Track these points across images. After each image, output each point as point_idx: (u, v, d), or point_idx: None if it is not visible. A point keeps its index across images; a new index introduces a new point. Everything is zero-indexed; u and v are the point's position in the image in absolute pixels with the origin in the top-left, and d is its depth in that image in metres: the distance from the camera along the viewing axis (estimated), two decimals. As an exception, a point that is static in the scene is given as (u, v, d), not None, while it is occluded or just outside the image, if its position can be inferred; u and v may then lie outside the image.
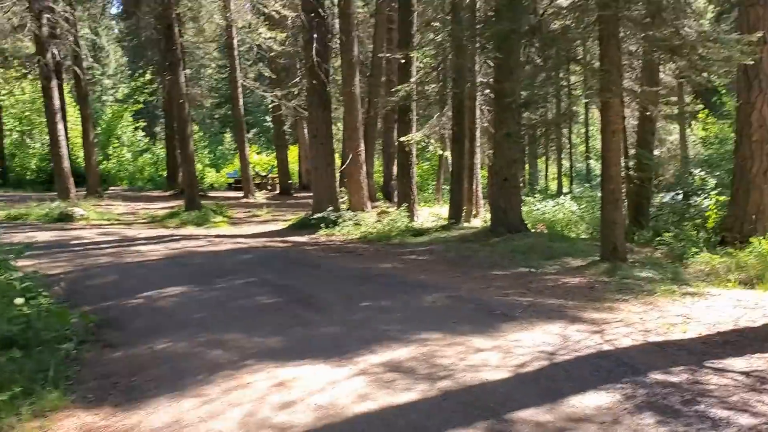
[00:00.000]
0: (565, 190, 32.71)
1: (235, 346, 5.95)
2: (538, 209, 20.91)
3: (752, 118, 11.32)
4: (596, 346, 5.44)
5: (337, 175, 17.10)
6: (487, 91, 16.35)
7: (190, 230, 16.50)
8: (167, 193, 28.01)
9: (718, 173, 15.03)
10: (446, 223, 15.09)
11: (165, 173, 31.81)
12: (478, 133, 16.14)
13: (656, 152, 18.43)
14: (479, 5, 14.50)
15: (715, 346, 5.38)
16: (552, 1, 10.18)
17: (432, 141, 18.19)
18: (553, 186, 36.54)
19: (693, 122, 23.13)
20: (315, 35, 15.46)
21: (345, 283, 8.89)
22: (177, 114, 20.50)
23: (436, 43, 14.25)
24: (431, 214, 18.33)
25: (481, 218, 16.60)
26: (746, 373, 4.63)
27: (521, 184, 23.19)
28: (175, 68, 18.79)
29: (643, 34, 9.93)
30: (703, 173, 15.89)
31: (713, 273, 9.54)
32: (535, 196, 24.86)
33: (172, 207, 20.97)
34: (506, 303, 7.31)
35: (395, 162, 25.99)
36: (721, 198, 14.00)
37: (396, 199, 25.20)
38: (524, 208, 21.77)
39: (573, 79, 19.52)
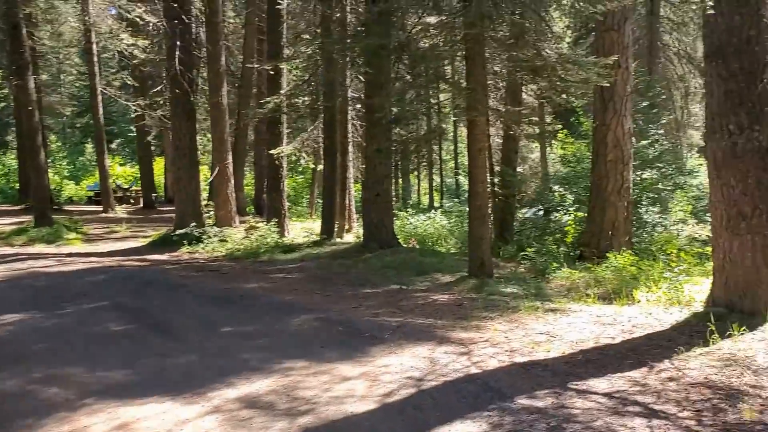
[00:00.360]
0: (436, 204, 33.40)
1: (75, 382, 5.33)
2: (410, 223, 21.10)
3: (607, 138, 11.90)
4: (464, 370, 5.31)
5: (205, 188, 16.37)
6: (359, 105, 16.28)
7: (38, 248, 15.16)
8: (18, 207, 25.76)
9: (575, 190, 15.73)
10: (318, 238, 14.80)
11: (17, 185, 29.31)
12: (350, 148, 16.01)
13: (519, 169, 19.14)
14: (350, 19, 14.41)
15: (578, 365, 5.40)
16: (420, 19, 10.20)
17: (304, 155, 17.86)
18: (425, 200, 37.23)
19: (553, 141, 24.28)
20: (178, 43, 14.73)
21: (206, 307, 8.35)
22: (25, 122, 18.90)
23: (307, 56, 13.99)
24: (303, 229, 17.98)
25: (354, 233, 16.46)
26: (609, 395, 4.64)
27: (394, 199, 23.38)
28: (24, 72, 17.29)
29: (507, 55, 10.16)
30: (561, 190, 16.61)
31: (574, 288, 9.83)
32: (408, 210, 25.12)
33: (20, 222, 19.21)
34: (376, 324, 7.09)
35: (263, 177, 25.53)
36: (579, 214, 14.68)
37: (266, 214, 24.75)
38: (397, 223, 21.88)
39: (442, 96, 19.85)
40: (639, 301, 8.25)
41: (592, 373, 5.20)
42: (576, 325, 6.88)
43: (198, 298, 8.99)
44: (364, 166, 13.77)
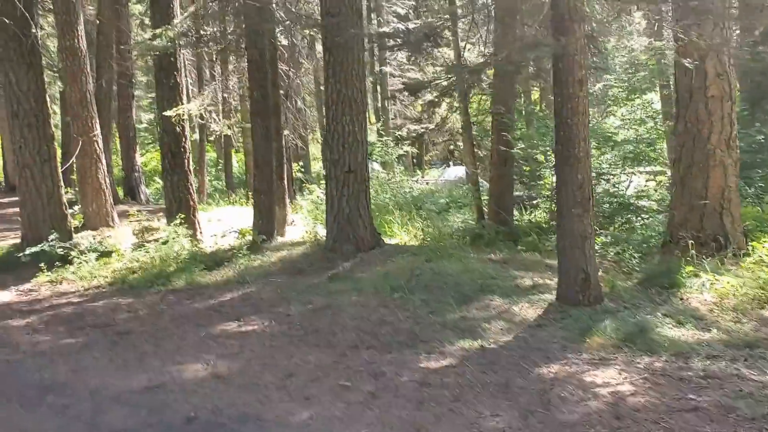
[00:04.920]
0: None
1: None
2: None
3: (706, 64, 7.90)
4: None
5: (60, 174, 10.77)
6: (283, 40, 11.34)
7: None
8: None
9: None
10: (252, 239, 9.88)
11: None
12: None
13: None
14: None
15: None
16: None
17: (214, 116, 12.59)
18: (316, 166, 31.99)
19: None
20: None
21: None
22: None
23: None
24: (213, 222, 12.88)
25: (305, 226, 11.43)
26: None
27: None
28: None
29: None
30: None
31: (739, 309, 5.82)
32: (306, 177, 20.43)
33: None
34: None
35: (136, 148, 19.81)
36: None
37: (143, 198, 19.02)
38: (310, 198, 17.02)
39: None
40: None
41: None
42: None
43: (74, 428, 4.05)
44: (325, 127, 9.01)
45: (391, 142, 25.84)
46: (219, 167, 29.91)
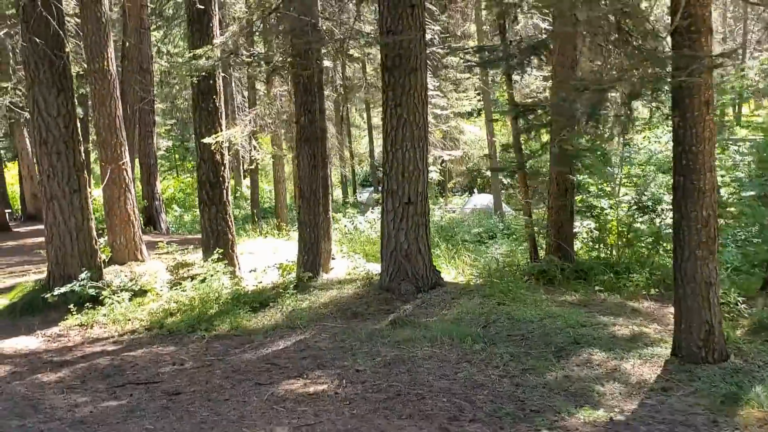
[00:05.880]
0: (349, 199, 27.82)
1: None
2: (358, 229, 15.83)
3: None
4: None
5: (91, 205, 10.01)
6: (324, 63, 10.60)
7: None
8: None
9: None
10: (297, 276, 9.05)
11: None
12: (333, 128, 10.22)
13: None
14: None
15: None
16: None
17: (254, 144, 11.84)
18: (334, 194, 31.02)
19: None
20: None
21: None
22: None
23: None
24: (243, 254, 12.05)
25: (340, 260, 10.68)
26: None
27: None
28: None
29: None
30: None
31: None
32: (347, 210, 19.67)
33: None
34: None
35: (157, 176, 19.17)
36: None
37: (163, 228, 18.30)
38: (337, 228, 16.33)
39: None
40: None
41: None
42: None
43: None
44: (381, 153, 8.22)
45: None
46: (236, 195, 29.23)
